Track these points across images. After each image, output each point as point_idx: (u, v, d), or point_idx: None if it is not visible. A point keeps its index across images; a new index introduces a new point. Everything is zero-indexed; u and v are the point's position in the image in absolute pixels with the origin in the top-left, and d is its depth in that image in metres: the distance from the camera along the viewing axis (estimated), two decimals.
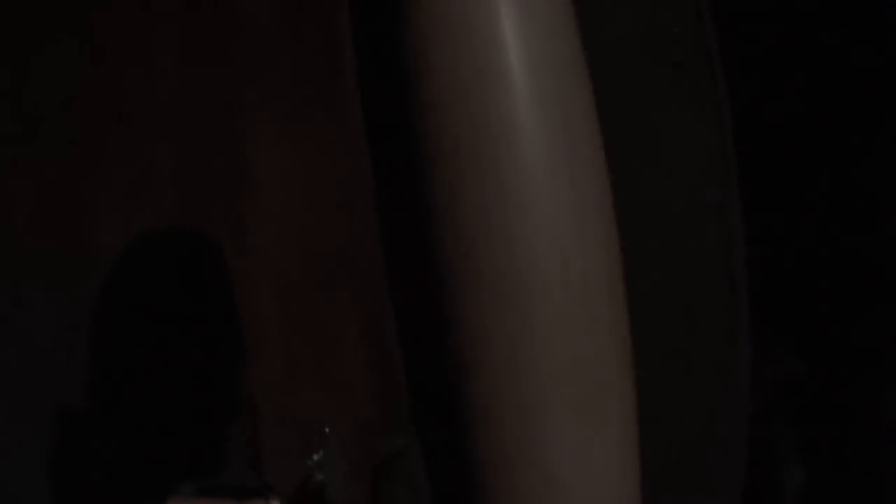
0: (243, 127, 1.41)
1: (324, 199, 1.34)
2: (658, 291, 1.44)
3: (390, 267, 1.20)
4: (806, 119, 1.51)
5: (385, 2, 0.94)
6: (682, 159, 1.44)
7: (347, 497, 1.38)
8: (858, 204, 1.51)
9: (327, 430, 1.36)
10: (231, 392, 1.45)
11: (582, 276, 0.98)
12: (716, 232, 1.47)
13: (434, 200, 0.96)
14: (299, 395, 1.38)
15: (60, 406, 1.57)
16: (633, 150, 1.41)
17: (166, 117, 1.54)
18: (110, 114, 1.61)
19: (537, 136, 0.96)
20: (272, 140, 1.39)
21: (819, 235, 1.54)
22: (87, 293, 1.61)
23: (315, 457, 1.38)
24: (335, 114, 1.32)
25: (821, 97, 1.48)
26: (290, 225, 1.37)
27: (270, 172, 1.39)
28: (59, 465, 1.57)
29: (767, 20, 1.49)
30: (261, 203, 1.40)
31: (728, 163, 1.46)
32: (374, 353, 1.29)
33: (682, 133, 1.45)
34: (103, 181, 1.63)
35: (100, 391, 1.58)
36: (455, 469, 1.06)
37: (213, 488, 1.28)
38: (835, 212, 1.52)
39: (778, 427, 1.59)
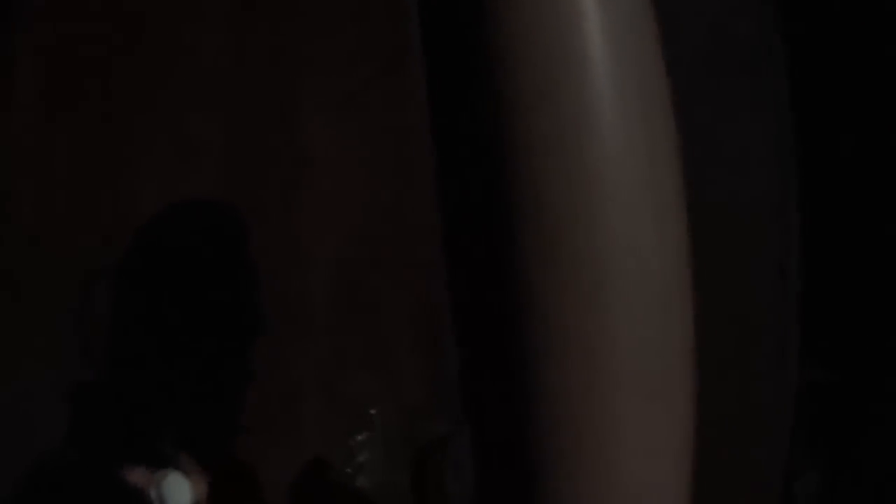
0: (299, 101, 1.41)
1: (381, 178, 1.33)
2: (712, 283, 1.44)
3: (452, 251, 1.19)
4: (865, 124, 1.50)
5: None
6: (744, 156, 1.44)
7: (388, 480, 1.38)
8: None
9: (373, 411, 1.36)
10: (278, 372, 1.45)
11: (658, 264, 0.99)
12: (771, 229, 1.47)
13: (515, 187, 0.96)
14: (346, 375, 1.38)
15: (82, 376, 1.57)
16: (696, 145, 1.42)
17: (216, 86, 1.53)
18: (155, 79, 1.61)
19: (620, 127, 0.97)
20: (329, 115, 1.38)
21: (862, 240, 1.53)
22: (120, 260, 1.61)
23: (359, 437, 1.38)
24: (398, 92, 1.31)
25: (887, 101, 1.47)
26: (345, 203, 1.37)
27: (326, 148, 1.38)
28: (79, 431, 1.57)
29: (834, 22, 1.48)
30: (314, 179, 1.39)
31: (789, 163, 1.46)
32: (426, 335, 1.29)
33: (744, 130, 1.44)
34: (144, 147, 1.62)
35: (123, 363, 1.58)
36: (508, 456, 1.06)
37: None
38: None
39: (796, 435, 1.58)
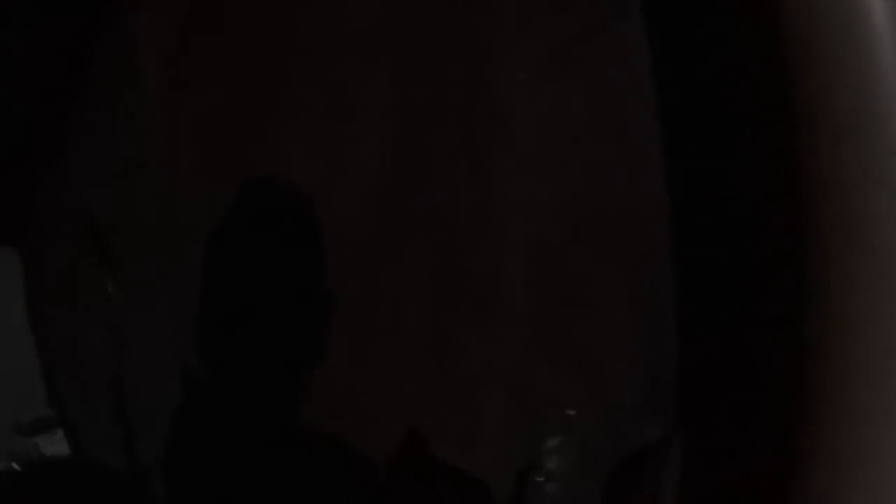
0: (489, 55, 1.25)
1: (594, 142, 1.17)
2: None
3: (686, 226, 1.05)
4: None
5: None
6: None
7: (580, 491, 1.24)
8: None
9: (570, 412, 1.22)
10: (456, 362, 1.31)
11: None
12: None
13: (805, 172, 0.86)
14: (540, 369, 1.24)
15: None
16: None
17: (384, 36, 1.39)
18: (305, 26, 1.48)
19: None
20: (529, 70, 1.22)
21: None
22: (264, 241, 1.51)
23: (550, 441, 1.24)
24: (611, 50, 1.14)
25: None
26: (549, 171, 1.21)
27: (525, 108, 1.22)
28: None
29: None
30: (510, 143, 1.24)
31: None
32: (642, 327, 1.13)
33: None
34: (291, 109, 1.50)
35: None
36: (746, 474, 0.95)
37: None
38: None
39: None
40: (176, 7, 1.63)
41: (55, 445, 1.60)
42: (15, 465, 1.51)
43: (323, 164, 1.46)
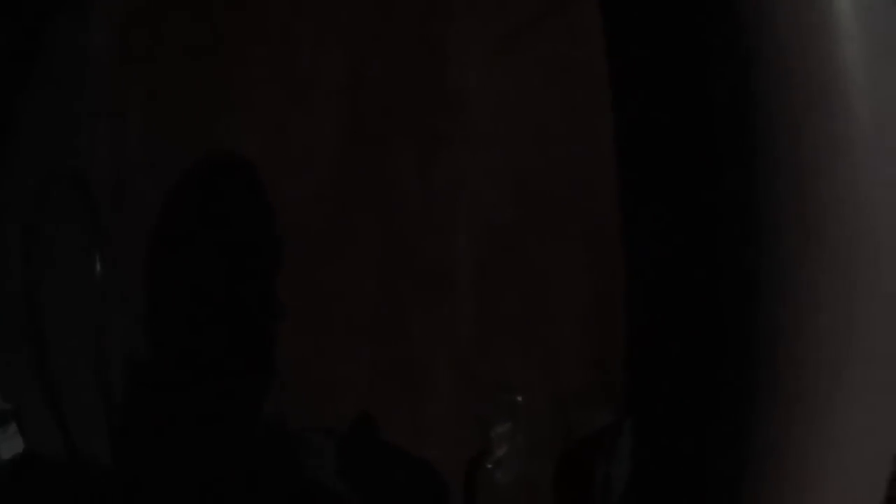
0: (445, 32, 1.24)
1: (548, 124, 1.16)
2: None
3: (640, 209, 1.04)
4: None
5: None
6: None
7: (527, 477, 1.23)
8: None
9: (519, 398, 1.21)
10: (404, 348, 1.30)
11: None
12: None
13: (767, 141, 0.86)
14: (489, 354, 1.23)
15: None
16: None
17: (336, 14, 1.37)
18: (259, 5, 1.46)
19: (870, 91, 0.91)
20: (485, 50, 1.20)
21: None
22: (216, 221, 1.50)
23: (499, 428, 1.23)
24: (566, 34, 1.13)
25: None
26: (500, 152, 1.20)
27: (479, 88, 1.21)
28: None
29: None
30: (463, 123, 1.22)
31: None
32: (595, 312, 1.13)
33: None
34: (244, 91, 1.49)
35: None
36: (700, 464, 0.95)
37: None
38: None
39: None
40: None
41: (10, 441, 1.57)
42: None
43: (275, 144, 1.45)
